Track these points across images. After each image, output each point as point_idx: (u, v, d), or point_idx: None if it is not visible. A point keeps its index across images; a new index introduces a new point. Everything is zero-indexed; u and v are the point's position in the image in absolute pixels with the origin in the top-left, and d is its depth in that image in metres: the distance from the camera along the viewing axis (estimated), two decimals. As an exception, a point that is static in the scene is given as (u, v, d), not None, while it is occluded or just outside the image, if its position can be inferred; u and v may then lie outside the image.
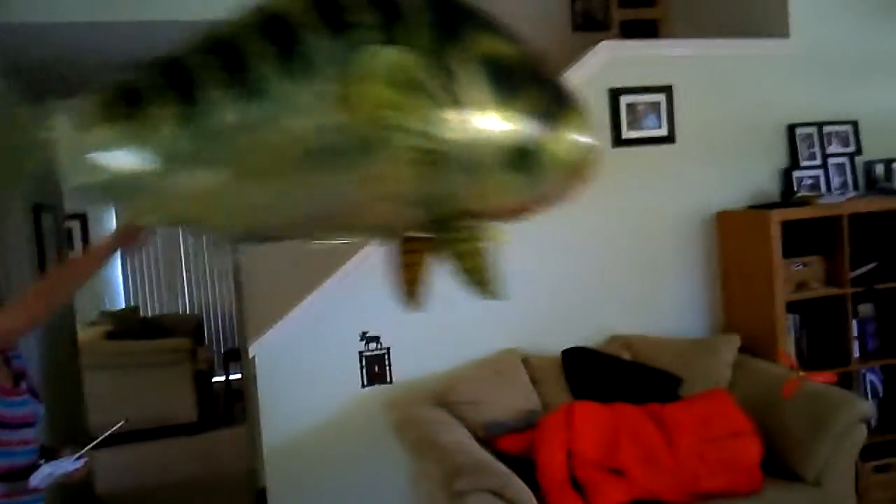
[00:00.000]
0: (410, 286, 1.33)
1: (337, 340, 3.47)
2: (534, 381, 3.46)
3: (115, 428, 1.86)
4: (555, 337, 3.62)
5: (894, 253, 3.78)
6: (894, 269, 3.75)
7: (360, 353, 3.49)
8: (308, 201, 0.98)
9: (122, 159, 0.92)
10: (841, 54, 4.01)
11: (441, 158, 0.96)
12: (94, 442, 1.82)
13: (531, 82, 1.09)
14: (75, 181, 0.96)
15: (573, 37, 5.62)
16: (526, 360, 3.51)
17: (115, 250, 1.61)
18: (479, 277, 1.19)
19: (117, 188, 0.96)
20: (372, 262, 3.42)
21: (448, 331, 3.53)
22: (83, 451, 1.79)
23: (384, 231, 1.23)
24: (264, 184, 0.93)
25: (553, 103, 1.10)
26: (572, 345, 3.60)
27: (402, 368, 3.51)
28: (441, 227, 1.06)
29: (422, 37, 0.97)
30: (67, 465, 1.75)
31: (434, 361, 3.52)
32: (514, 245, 3.64)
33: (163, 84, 0.93)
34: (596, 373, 3.50)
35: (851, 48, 4.00)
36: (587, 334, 3.69)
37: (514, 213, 1.16)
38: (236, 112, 0.90)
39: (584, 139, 1.12)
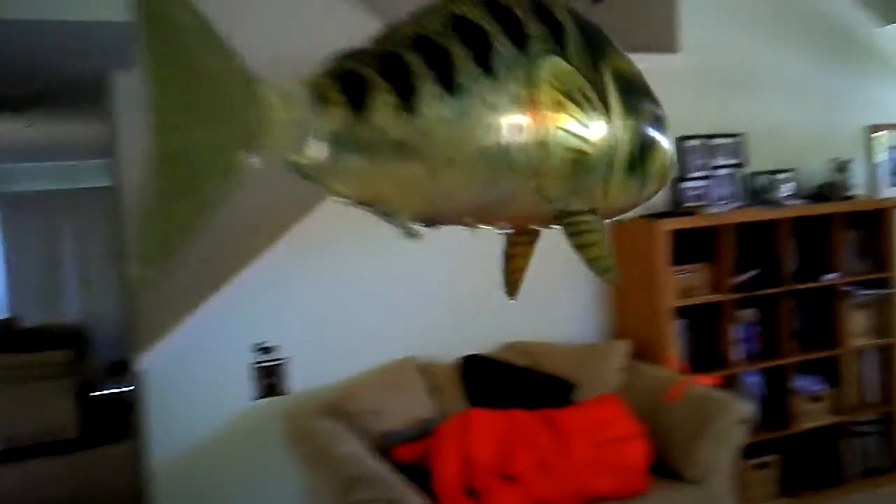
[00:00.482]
0: (514, 275, 1.44)
1: (230, 351, 3.36)
2: (431, 389, 3.45)
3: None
4: (453, 344, 3.63)
5: (775, 261, 3.97)
6: (775, 276, 3.94)
7: (255, 363, 3.40)
8: (480, 192, 1.08)
9: (339, 143, 0.95)
10: (728, 69, 4.19)
11: (589, 160, 1.08)
12: None
13: (645, 96, 1.26)
14: (288, 159, 0.97)
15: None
16: (423, 368, 3.50)
17: None
18: (603, 264, 1.27)
19: (326, 169, 1.00)
20: (268, 271, 3.35)
21: (345, 340, 3.49)
22: None
23: (519, 221, 1.34)
24: (452, 175, 1.02)
25: (657, 116, 1.29)
26: (470, 352, 3.62)
27: (298, 379, 3.43)
28: (568, 221, 1.19)
29: (576, 49, 1.10)
30: None
31: (331, 371, 3.46)
32: (412, 253, 3.63)
33: (381, 75, 0.99)
34: (493, 380, 3.52)
35: (738, 63, 4.18)
36: (485, 341, 3.71)
37: (621, 211, 1.31)
38: (444, 107, 0.98)
39: (670, 148, 1.31)
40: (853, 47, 4.53)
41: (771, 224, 3.94)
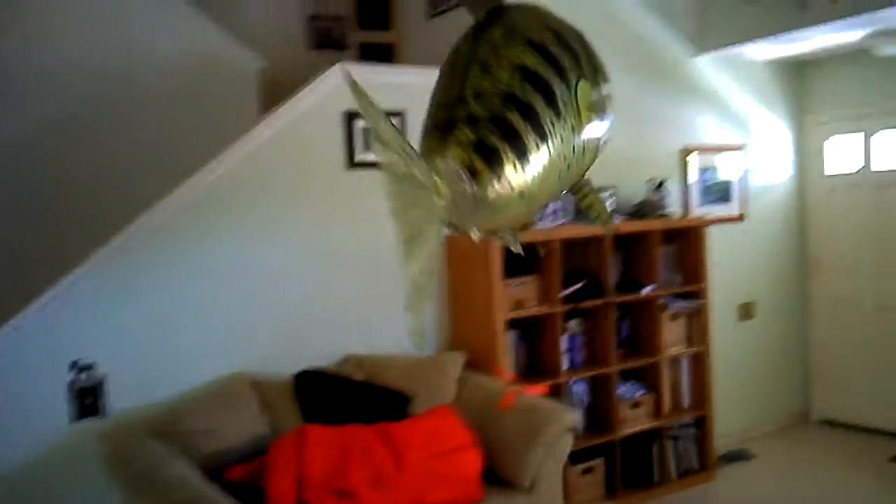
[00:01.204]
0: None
1: (43, 370, 3.13)
2: (264, 406, 3.36)
3: None
4: (287, 359, 3.56)
5: (599, 274, 4.19)
6: (598, 289, 4.16)
7: (70, 383, 3.18)
8: (550, 201, 1.61)
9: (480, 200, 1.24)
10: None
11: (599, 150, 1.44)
12: None
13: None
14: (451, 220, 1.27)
15: (310, 55, 5.61)
16: (256, 385, 3.41)
17: None
18: (604, 216, 1.78)
19: (468, 218, 1.32)
20: (87, 283, 3.15)
21: (171, 357, 3.34)
22: None
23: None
24: (540, 199, 1.37)
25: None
26: (305, 366, 3.56)
27: (120, 399, 3.24)
28: (579, 192, 1.62)
29: (588, 68, 1.42)
30: None
31: (156, 389, 3.30)
32: (243, 266, 3.54)
33: (504, 140, 1.28)
34: (328, 395, 3.48)
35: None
36: (320, 355, 3.67)
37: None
38: (540, 153, 1.28)
39: None
40: (670, 74, 4.88)
41: (595, 239, 4.16)
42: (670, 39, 4.86)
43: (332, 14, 5.91)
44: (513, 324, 3.98)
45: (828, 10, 4.17)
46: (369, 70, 4.13)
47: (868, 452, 5.04)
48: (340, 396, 3.48)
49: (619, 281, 4.33)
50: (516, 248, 1.62)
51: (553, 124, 1.41)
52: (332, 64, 3.80)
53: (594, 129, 1.44)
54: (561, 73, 1.46)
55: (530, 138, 1.41)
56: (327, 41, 5.89)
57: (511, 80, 1.47)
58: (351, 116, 3.76)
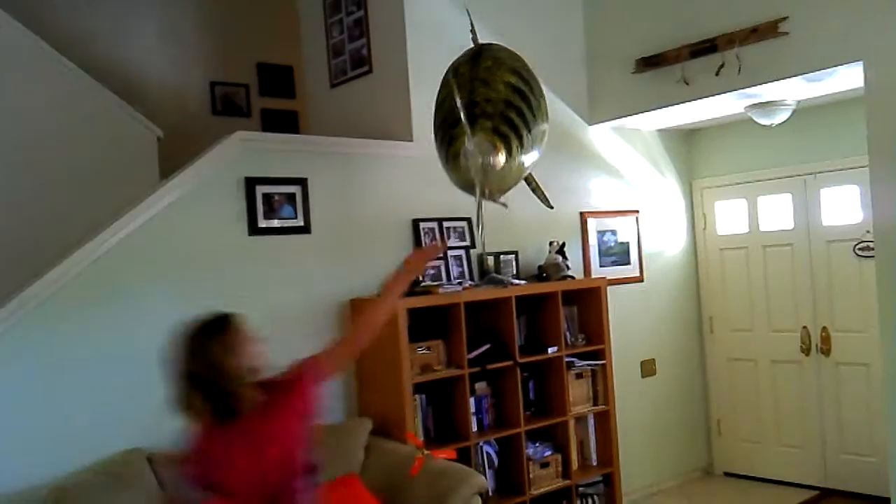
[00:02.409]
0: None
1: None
2: (161, 483, 3.21)
3: None
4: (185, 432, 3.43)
5: (503, 336, 4.24)
6: (503, 351, 4.21)
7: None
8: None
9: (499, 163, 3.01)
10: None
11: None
12: None
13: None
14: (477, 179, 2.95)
15: (213, 121, 5.60)
16: (151, 459, 3.26)
17: (417, 272, 2.97)
18: (544, 198, 3.42)
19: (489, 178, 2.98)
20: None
21: (57, 432, 3.16)
22: None
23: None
24: (520, 170, 3.09)
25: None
26: (205, 439, 3.44)
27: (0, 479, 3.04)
28: (527, 178, 3.27)
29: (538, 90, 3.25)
30: None
31: (41, 469, 3.09)
32: (142, 335, 3.41)
33: (507, 127, 2.95)
34: (230, 467, 3.36)
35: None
36: (222, 427, 3.55)
37: None
38: (530, 139, 3.00)
39: None
40: (567, 142, 5.07)
41: (499, 302, 4.22)
42: (565, 110, 5.07)
43: (234, 81, 5.93)
44: (420, 387, 3.96)
45: (708, 85, 4.46)
46: (267, 138, 4.15)
47: (771, 503, 5.20)
48: (242, 469, 3.36)
49: (524, 342, 4.39)
50: (505, 205, 3.20)
51: (532, 121, 3.03)
52: (233, 131, 3.80)
53: (547, 127, 3.17)
54: (532, 89, 3.12)
55: (522, 129, 3.00)
56: (230, 108, 5.90)
57: (506, 91, 3.07)
58: (252, 182, 3.74)
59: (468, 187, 3.18)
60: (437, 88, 3.38)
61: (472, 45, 3.42)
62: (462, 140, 3.01)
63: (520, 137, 3.06)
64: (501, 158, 3.02)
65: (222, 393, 2.07)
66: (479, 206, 3.05)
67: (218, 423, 2.11)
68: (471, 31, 3.47)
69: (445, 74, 3.32)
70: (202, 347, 2.12)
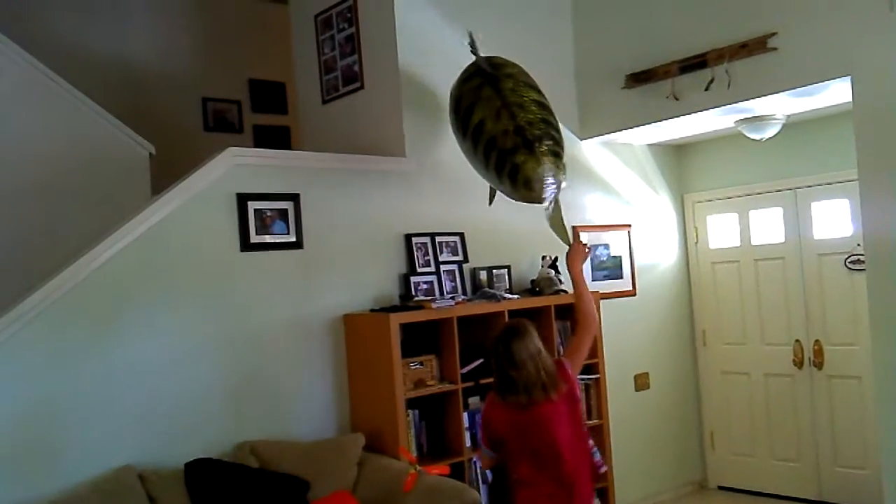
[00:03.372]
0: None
1: None
2: (152, 500, 3.19)
3: None
4: (177, 449, 3.41)
5: (496, 350, 4.23)
6: (496, 365, 4.19)
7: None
8: None
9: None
10: (449, 174, 4.50)
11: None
12: None
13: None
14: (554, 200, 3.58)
15: (205, 137, 5.61)
16: (143, 477, 3.24)
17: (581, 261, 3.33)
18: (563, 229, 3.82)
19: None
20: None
21: (48, 448, 3.14)
22: None
23: None
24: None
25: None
26: (197, 455, 3.42)
27: (-9, 500, 3.02)
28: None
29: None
30: None
31: (33, 486, 3.07)
32: (132, 352, 3.40)
33: (557, 145, 3.48)
34: (221, 484, 3.34)
35: (457, 169, 4.50)
36: (213, 443, 3.54)
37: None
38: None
39: None
40: (558, 158, 5.08)
41: (492, 316, 4.22)
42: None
43: (226, 97, 5.95)
44: (413, 403, 3.95)
45: (698, 101, 4.49)
46: (259, 153, 4.15)
47: (763, 517, 5.20)
48: (234, 485, 3.35)
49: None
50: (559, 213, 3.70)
51: (560, 130, 3.58)
52: (226, 147, 3.80)
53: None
54: (543, 95, 3.57)
55: (562, 142, 3.52)
56: (222, 124, 5.91)
57: (538, 110, 3.51)
58: (244, 198, 3.74)
59: (537, 200, 3.59)
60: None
61: (469, 64, 3.86)
62: (531, 165, 3.41)
63: (563, 150, 3.58)
64: (564, 176, 3.53)
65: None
66: (561, 222, 3.73)
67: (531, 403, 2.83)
68: (470, 45, 3.77)
69: (466, 96, 3.76)
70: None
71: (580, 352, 3.07)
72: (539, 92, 3.72)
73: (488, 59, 3.81)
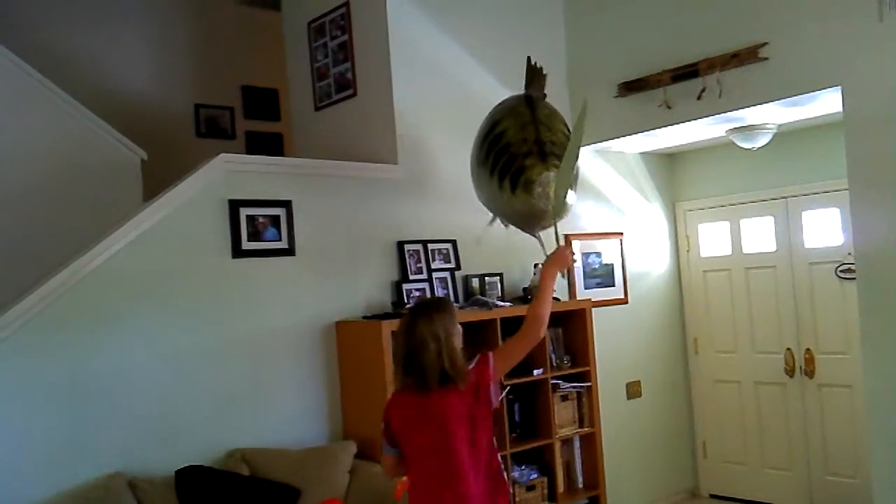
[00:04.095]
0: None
1: None
2: (142, 508, 3.18)
3: None
4: (168, 456, 3.40)
5: (488, 358, 4.22)
6: (488, 373, 4.18)
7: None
8: None
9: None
10: (441, 182, 4.50)
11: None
12: None
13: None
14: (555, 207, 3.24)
15: (197, 143, 5.60)
16: (133, 485, 3.22)
17: (559, 267, 2.93)
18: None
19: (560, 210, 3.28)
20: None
21: (37, 456, 3.12)
22: None
23: None
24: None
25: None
26: (187, 463, 3.40)
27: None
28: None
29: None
30: None
31: (19, 494, 3.04)
32: (122, 358, 3.38)
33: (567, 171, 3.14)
34: (212, 492, 3.32)
35: (449, 176, 4.50)
36: (204, 451, 3.52)
37: None
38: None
39: None
40: (551, 166, 5.10)
41: (484, 324, 4.22)
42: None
43: (219, 103, 5.94)
44: (404, 411, 3.93)
45: (690, 109, 4.51)
46: (251, 160, 4.14)
47: (754, 525, 5.20)
48: (225, 493, 3.33)
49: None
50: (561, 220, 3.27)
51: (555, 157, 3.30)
52: (218, 153, 3.79)
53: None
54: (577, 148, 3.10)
55: (575, 181, 3.36)
56: (214, 130, 5.90)
57: (563, 139, 3.39)
58: (236, 204, 3.73)
59: (533, 213, 3.36)
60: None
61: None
62: (537, 170, 3.28)
63: (574, 185, 3.38)
64: (573, 192, 3.36)
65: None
66: (556, 229, 3.23)
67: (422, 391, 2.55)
68: (533, 71, 3.76)
69: (498, 112, 3.65)
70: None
71: (512, 354, 2.73)
72: (571, 138, 3.32)
73: (534, 96, 3.73)
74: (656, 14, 4.75)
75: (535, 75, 3.75)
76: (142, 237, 3.47)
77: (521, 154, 3.37)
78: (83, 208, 4.21)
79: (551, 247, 3.05)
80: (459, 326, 2.67)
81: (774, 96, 4.16)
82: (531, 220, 3.42)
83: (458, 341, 2.62)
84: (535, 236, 3.52)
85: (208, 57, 5.96)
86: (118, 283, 3.40)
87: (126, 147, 4.52)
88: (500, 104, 3.74)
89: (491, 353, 2.67)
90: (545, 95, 3.74)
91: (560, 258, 2.92)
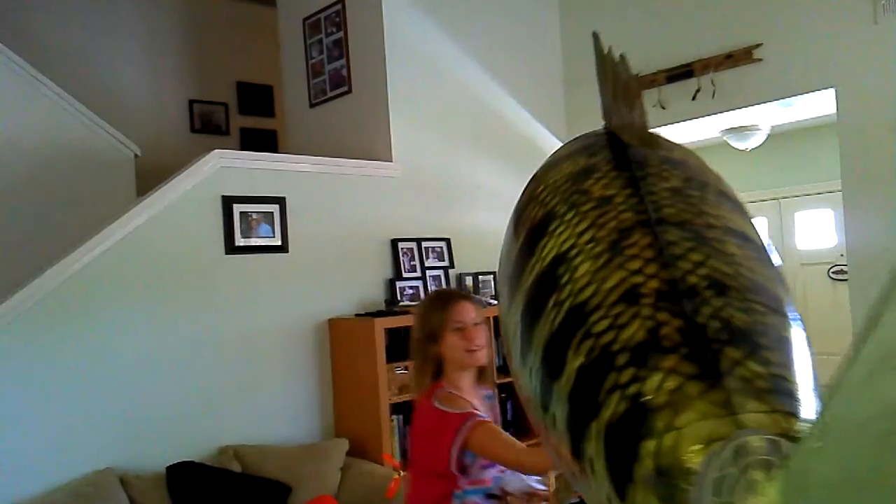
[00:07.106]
0: None
1: None
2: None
3: None
4: (159, 452, 3.38)
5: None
6: (482, 370, 4.19)
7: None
8: None
9: None
10: (435, 180, 4.51)
11: None
12: None
13: None
14: None
15: (191, 139, 5.58)
16: (124, 481, 3.21)
17: None
18: None
19: None
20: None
21: (27, 451, 3.10)
22: None
23: None
24: None
25: None
26: (179, 459, 3.39)
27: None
28: None
29: None
30: None
31: (8, 490, 3.02)
32: (113, 354, 3.37)
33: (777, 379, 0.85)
34: (203, 488, 3.32)
35: (444, 174, 4.52)
36: (195, 447, 3.51)
37: None
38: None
39: None
40: (540, 158, 5.09)
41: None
42: (543, 131, 5.11)
43: (213, 99, 5.93)
44: (398, 408, 3.94)
45: (685, 110, 4.52)
46: (245, 156, 4.13)
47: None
48: (216, 489, 3.33)
49: (501, 363, 4.38)
50: None
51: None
52: (212, 149, 3.78)
53: None
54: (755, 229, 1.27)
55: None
56: (208, 126, 5.89)
57: (746, 267, 1.33)
58: (229, 200, 3.73)
59: None
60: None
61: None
62: (694, 428, 0.61)
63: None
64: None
65: None
66: None
67: None
68: (611, 65, 1.31)
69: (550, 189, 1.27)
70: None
71: (497, 453, 2.10)
72: (742, 210, 0.94)
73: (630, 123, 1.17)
74: (651, 14, 4.76)
75: (614, 73, 1.14)
76: (135, 233, 3.46)
77: (630, 348, 0.69)
78: (76, 204, 4.19)
79: None
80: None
81: (768, 97, 4.18)
82: None
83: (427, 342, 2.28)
84: None
85: (203, 53, 5.95)
86: (110, 279, 3.39)
87: (120, 143, 4.51)
88: (553, 156, 1.16)
89: (483, 429, 2.10)
90: (646, 123, 1.09)
91: None
